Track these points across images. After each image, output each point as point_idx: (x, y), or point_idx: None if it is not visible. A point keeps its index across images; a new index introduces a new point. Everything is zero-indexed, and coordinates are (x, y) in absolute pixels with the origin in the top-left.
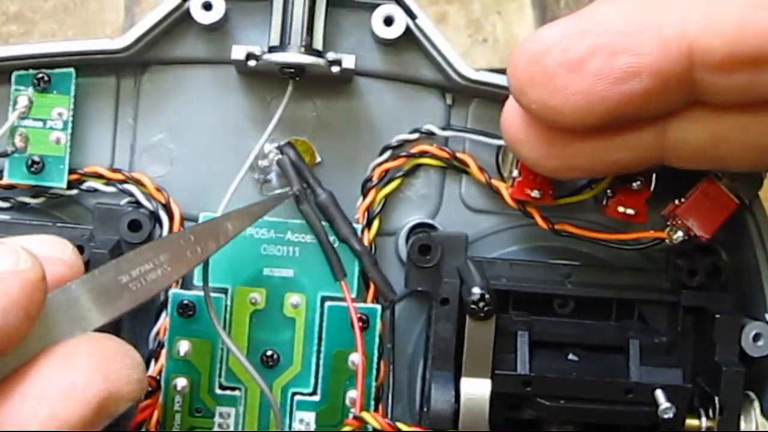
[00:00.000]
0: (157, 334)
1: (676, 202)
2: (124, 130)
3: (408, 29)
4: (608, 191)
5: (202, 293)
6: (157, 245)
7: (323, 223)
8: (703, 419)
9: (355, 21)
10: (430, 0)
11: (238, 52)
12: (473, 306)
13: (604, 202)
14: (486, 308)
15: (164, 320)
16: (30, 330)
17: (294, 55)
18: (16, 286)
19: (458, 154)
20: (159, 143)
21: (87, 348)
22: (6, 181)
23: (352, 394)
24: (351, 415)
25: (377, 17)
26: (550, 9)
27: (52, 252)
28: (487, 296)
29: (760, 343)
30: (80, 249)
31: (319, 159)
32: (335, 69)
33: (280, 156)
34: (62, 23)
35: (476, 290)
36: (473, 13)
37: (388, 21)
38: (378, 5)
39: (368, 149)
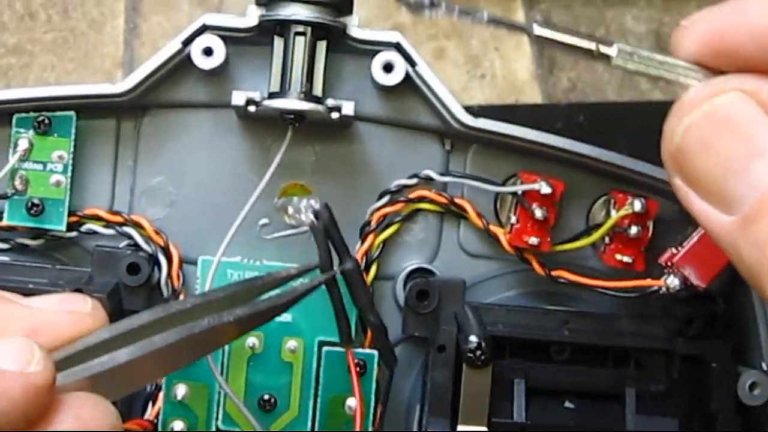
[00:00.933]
0: None
1: (674, 250)
2: (123, 173)
3: (407, 76)
4: (606, 238)
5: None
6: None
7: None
8: None
9: (355, 67)
10: (428, 35)
11: (238, 98)
12: (470, 354)
13: (602, 250)
14: (483, 356)
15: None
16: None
17: (293, 102)
18: (20, 390)
19: (456, 200)
20: (158, 186)
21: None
22: (6, 223)
23: None
24: None
25: (377, 64)
26: (549, 46)
27: (75, 307)
28: (483, 344)
29: (756, 392)
30: (79, 292)
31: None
32: (334, 115)
33: (313, 220)
34: (61, 56)
35: (473, 338)
36: (472, 48)
37: (388, 68)
38: (378, 52)
39: (367, 194)
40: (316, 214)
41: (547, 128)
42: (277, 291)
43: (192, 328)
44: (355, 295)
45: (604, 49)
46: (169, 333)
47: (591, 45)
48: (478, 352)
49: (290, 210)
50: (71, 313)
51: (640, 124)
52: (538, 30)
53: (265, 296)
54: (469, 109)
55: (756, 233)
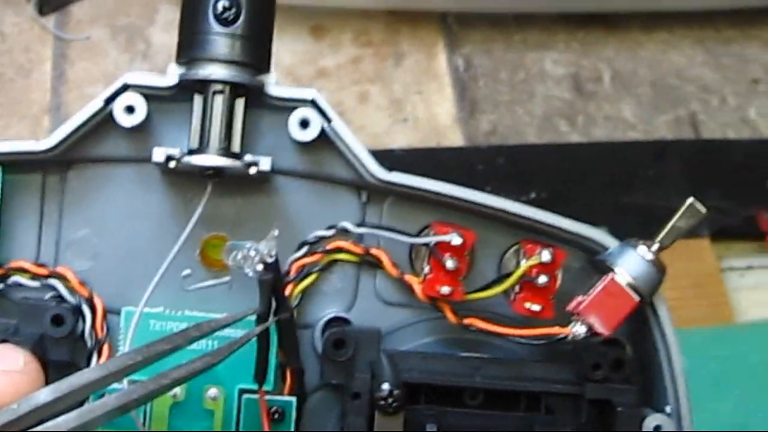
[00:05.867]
0: None
1: (580, 298)
2: (49, 226)
3: (323, 131)
4: (516, 287)
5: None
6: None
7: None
8: None
9: (272, 123)
10: (352, 80)
11: (158, 155)
12: (382, 401)
13: (512, 298)
14: (394, 404)
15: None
16: None
17: (212, 158)
18: None
19: (372, 250)
20: (83, 238)
21: None
22: None
23: None
24: None
25: (293, 120)
26: (469, 89)
27: (6, 365)
28: (396, 392)
29: None
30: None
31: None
32: (252, 170)
33: (264, 275)
34: None
35: (385, 386)
36: (394, 92)
37: (305, 124)
38: (295, 108)
39: (286, 245)
40: (266, 266)
41: (468, 170)
42: (207, 340)
43: (131, 394)
44: (285, 342)
45: None
46: (108, 399)
47: None
48: (390, 399)
49: (238, 256)
50: (5, 374)
51: (558, 164)
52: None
53: (199, 347)
54: (391, 153)
55: None
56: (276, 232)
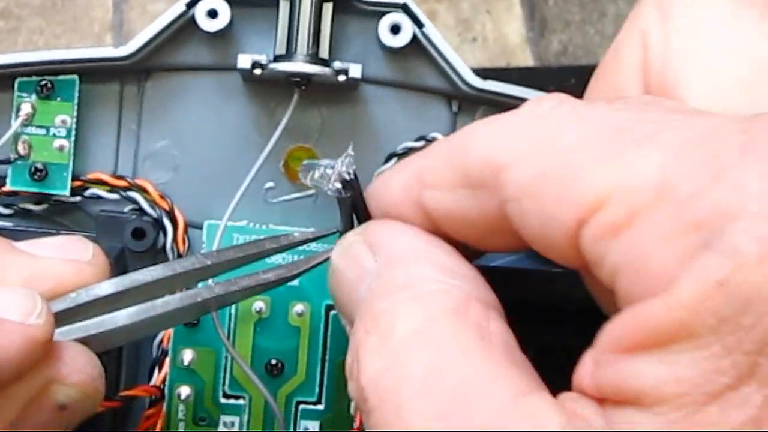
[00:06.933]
0: (161, 342)
1: None
2: (127, 137)
3: (414, 37)
4: None
5: None
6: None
7: None
8: None
9: (361, 29)
10: None
11: (243, 61)
12: None
13: None
14: None
15: (168, 329)
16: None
17: (300, 65)
18: (18, 343)
19: None
20: (162, 150)
21: None
22: (9, 188)
23: None
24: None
25: (384, 25)
26: (539, 8)
27: (75, 254)
28: None
29: None
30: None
31: None
32: (341, 78)
33: (343, 194)
34: (50, 20)
35: None
36: (462, 12)
37: (395, 29)
38: (385, 13)
39: (373, 157)
40: (344, 184)
41: (539, 91)
42: (290, 254)
43: (196, 296)
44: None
45: None
46: (171, 298)
47: None
48: None
49: (316, 174)
50: (72, 262)
51: None
52: None
53: (275, 261)
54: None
55: None
56: (351, 149)
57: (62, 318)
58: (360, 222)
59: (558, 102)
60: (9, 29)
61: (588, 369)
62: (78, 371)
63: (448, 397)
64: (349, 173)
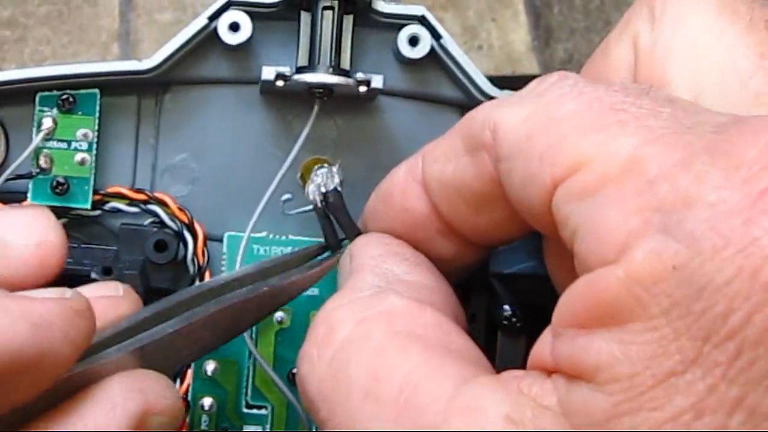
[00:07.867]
0: None
1: None
2: (145, 150)
3: (432, 49)
4: None
5: None
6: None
7: None
8: None
9: (379, 40)
10: (425, 6)
11: (268, 73)
12: (506, 322)
13: None
14: (518, 324)
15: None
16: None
17: (324, 76)
18: (60, 314)
19: None
20: (181, 163)
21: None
22: (30, 202)
23: None
24: None
25: (403, 37)
26: (544, 16)
27: (105, 292)
28: (518, 312)
29: None
30: (108, 270)
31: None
32: (362, 89)
33: (318, 203)
34: (56, 30)
35: (506, 307)
36: (468, 20)
37: (414, 41)
38: (403, 26)
39: (389, 167)
40: (324, 196)
41: None
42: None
43: (229, 300)
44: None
45: None
46: (208, 304)
47: None
48: (514, 319)
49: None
50: (106, 298)
51: None
52: None
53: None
54: None
55: None
56: (337, 166)
57: (112, 341)
58: (345, 233)
59: (562, 77)
60: (15, 38)
61: (547, 342)
62: (162, 397)
63: (393, 399)
64: (326, 185)
